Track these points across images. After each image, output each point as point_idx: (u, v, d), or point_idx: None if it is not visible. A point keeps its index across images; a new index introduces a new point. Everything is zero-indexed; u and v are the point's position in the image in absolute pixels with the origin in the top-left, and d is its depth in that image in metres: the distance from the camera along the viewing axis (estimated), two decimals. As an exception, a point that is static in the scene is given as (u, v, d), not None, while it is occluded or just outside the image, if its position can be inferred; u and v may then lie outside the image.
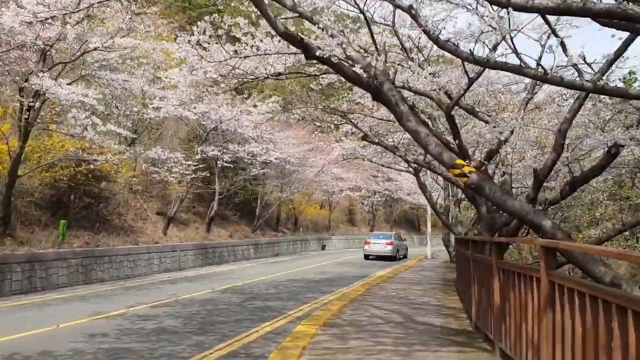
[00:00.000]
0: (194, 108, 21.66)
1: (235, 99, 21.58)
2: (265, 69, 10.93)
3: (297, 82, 14.93)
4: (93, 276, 17.25)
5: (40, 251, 15.45)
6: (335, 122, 16.22)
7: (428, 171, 24.81)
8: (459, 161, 6.02)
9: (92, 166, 17.20)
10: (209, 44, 10.02)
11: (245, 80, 11.23)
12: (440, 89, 11.24)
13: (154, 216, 24.90)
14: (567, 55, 10.37)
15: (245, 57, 9.80)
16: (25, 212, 17.40)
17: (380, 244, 27.82)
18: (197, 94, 11.30)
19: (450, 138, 14.36)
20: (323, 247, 40.49)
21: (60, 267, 15.98)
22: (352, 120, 15.23)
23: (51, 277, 15.51)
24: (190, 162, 21.63)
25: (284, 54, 10.09)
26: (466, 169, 5.85)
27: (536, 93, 13.46)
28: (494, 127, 11.39)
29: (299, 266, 23.52)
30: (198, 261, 23.83)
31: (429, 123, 11.81)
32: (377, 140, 12.49)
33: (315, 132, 22.93)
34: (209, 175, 26.72)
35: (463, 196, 24.35)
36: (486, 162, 11.56)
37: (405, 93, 12.59)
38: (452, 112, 10.80)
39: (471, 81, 10.67)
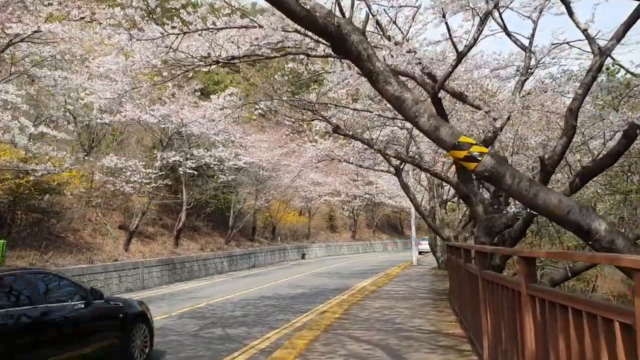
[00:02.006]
0: (152, 110, 19.77)
1: (198, 102, 19.68)
2: (215, 53, 9.13)
3: (260, 75, 13.14)
4: (37, 302, 15.13)
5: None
6: (305, 118, 14.44)
7: (410, 172, 23.18)
8: (465, 139, 4.27)
9: (32, 178, 15.12)
10: (142, 20, 8.26)
11: (191, 66, 9.38)
12: (423, 70, 9.52)
13: (116, 231, 22.80)
14: (574, 21, 8.74)
15: (184, 33, 7.97)
16: (-45, 232, 15.26)
17: None
18: (134, 84, 9.43)
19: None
20: (303, 256, 38.63)
21: (-5, 294, 13.87)
22: (323, 115, 13.47)
23: (-17, 306, 13.40)
24: (149, 170, 19.62)
25: (235, 27, 8.28)
26: (475, 150, 4.11)
27: (532, 73, 11.85)
28: (487, 112, 9.71)
29: (274, 279, 21.62)
30: (165, 278, 21.78)
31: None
32: (350, 133, 10.74)
33: (288, 133, 21.17)
34: (174, 184, 24.76)
35: (449, 197, 22.74)
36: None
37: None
38: (439, 96, 9.10)
39: (460, 56, 8.97)
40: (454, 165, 10.50)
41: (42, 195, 17.35)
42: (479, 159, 4.07)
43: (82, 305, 6.60)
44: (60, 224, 19.97)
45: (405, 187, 16.04)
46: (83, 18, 10.98)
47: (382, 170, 20.51)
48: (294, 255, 37.94)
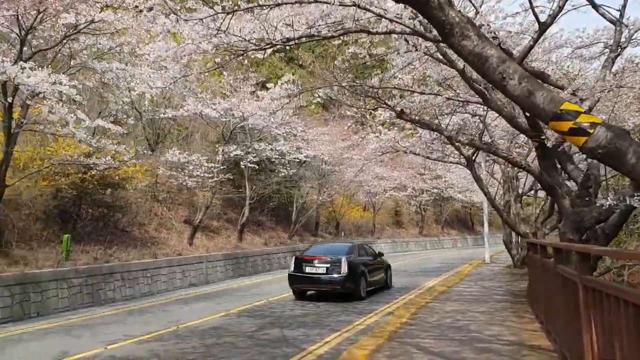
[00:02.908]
0: (214, 104, 19.54)
1: (258, 95, 19.22)
2: (268, 35, 8.49)
3: (319, 62, 12.40)
4: (101, 297, 15.17)
5: (33, 271, 13.44)
6: (368, 107, 13.60)
7: (482, 164, 21.80)
8: (570, 105, 3.32)
9: (95, 172, 15.14)
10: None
11: (244, 51, 8.79)
12: (500, 46, 8.46)
13: (181, 225, 22.87)
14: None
15: (233, 11, 7.34)
16: (24, 227, 15.52)
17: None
18: (185, 71, 8.94)
19: (516, 110, 11.55)
20: (368, 252, 37.65)
21: (59, 288, 13.97)
22: (387, 102, 12.57)
23: (48, 300, 13.50)
24: (212, 165, 19.39)
25: (288, 3, 7.57)
26: (584, 120, 3.17)
27: (624, 48, 10.46)
28: (574, 92, 8.52)
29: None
30: (228, 272, 21.57)
31: (485, 93, 9.03)
32: (417, 118, 9.79)
33: (350, 124, 20.37)
34: (235, 178, 24.58)
35: (524, 191, 21.22)
36: (562, 140, 8.68)
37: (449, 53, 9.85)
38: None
39: (543, 28, 7.85)
40: (534, 152, 9.37)
41: (105, 189, 17.40)
42: (589, 131, 3.14)
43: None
44: (125, 218, 20.15)
45: (477, 179, 14.86)
46: (137, 6, 10.64)
47: (451, 162, 19.32)
48: (359, 251, 37.13)
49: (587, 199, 8.25)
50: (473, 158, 14.64)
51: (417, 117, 9.80)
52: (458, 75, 13.73)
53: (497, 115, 16.26)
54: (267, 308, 12.51)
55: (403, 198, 44.04)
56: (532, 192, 20.47)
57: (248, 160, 21.46)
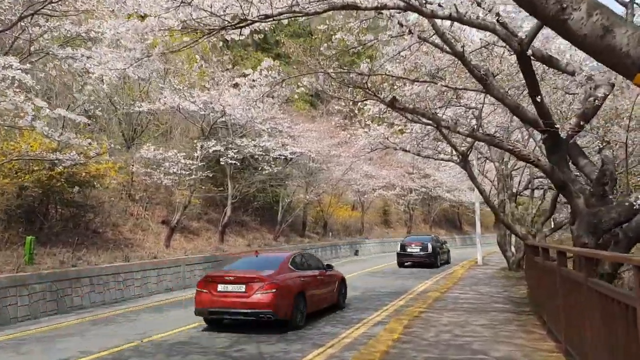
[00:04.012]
0: (192, 97, 18.39)
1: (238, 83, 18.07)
2: (243, 11, 7.43)
3: (303, 49, 11.34)
4: (67, 304, 13.96)
5: (-14, 277, 12.22)
6: (356, 99, 12.57)
7: (474, 162, 20.86)
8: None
9: (61, 169, 13.94)
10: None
11: (215, 30, 7.70)
12: (504, 26, 7.44)
13: (158, 226, 21.68)
14: None
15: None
16: (-18, 228, 14.29)
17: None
18: (149, 52, 7.82)
19: (523, 97, 10.56)
20: (356, 253, 36.68)
21: (19, 295, 12.73)
22: (377, 95, 11.53)
23: (5, 309, 12.27)
24: (189, 162, 18.25)
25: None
26: None
27: None
28: (588, 78, 7.53)
29: (324, 279, 19.83)
30: (208, 276, 20.39)
31: (487, 80, 8.00)
32: (411, 107, 8.76)
33: (338, 119, 19.32)
34: (216, 176, 23.44)
35: (519, 190, 20.31)
36: (577, 129, 7.69)
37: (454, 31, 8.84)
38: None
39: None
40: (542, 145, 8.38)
41: (73, 187, 16.18)
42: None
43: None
44: (98, 218, 18.94)
45: (472, 177, 13.88)
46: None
47: (443, 159, 18.33)
48: (346, 251, 36.08)
49: (603, 196, 7.27)
50: (469, 152, 13.67)
51: (411, 106, 8.80)
52: (452, 66, 12.79)
53: (492, 109, 15.39)
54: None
55: (392, 197, 43.21)
56: (529, 191, 19.56)
57: (229, 156, 20.29)
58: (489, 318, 8.87)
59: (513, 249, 20.74)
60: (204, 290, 10.36)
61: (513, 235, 20.71)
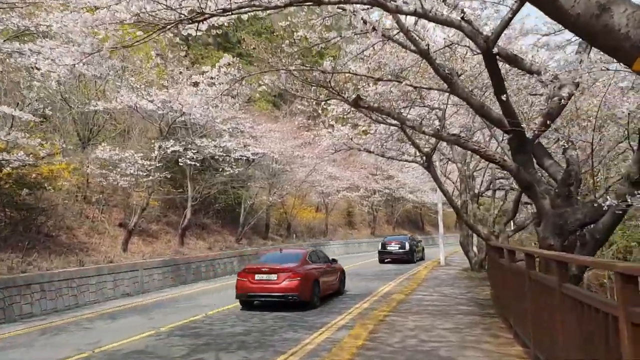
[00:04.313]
0: (149, 95, 17.79)
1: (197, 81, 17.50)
2: (200, 3, 7.07)
3: (265, 46, 10.97)
4: (15, 312, 13.23)
5: None
6: (319, 99, 12.32)
7: (437, 163, 20.89)
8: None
9: (9, 170, 13.19)
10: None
11: (170, 23, 7.31)
12: (470, 24, 7.29)
13: (115, 229, 20.90)
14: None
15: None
16: None
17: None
18: (100, 46, 7.35)
19: (486, 98, 10.48)
20: (320, 255, 36.37)
21: (-39, 304, 12.03)
22: (341, 94, 11.30)
23: (-56, 320, 11.55)
24: (146, 162, 17.63)
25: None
26: None
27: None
28: (552, 79, 7.46)
29: (287, 282, 19.47)
30: (167, 280, 19.79)
31: (451, 79, 7.85)
32: (376, 105, 8.52)
33: (302, 119, 19.05)
34: (175, 177, 22.83)
35: (481, 190, 20.43)
36: (543, 129, 7.61)
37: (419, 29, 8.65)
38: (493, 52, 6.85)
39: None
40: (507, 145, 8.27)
41: (28, 190, 15.40)
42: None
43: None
44: (50, 222, 18.08)
45: (436, 178, 13.79)
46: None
47: (407, 161, 18.27)
48: (310, 253, 35.83)
49: (568, 197, 7.20)
50: (432, 152, 13.58)
51: (375, 105, 8.56)
52: (416, 66, 12.67)
53: (455, 110, 15.37)
54: (205, 324, 10.98)
55: (355, 198, 43.23)
56: (491, 192, 19.68)
57: (188, 157, 19.72)
58: (454, 321, 8.71)
59: (475, 249, 20.84)
60: (244, 279, 13.33)
61: (475, 236, 20.83)
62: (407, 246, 28.62)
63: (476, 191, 19.76)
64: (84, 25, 7.08)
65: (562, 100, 7.36)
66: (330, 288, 14.92)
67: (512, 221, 16.91)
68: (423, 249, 30.96)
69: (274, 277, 13.01)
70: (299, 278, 12.87)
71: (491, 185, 19.18)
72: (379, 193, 44.82)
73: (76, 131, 22.07)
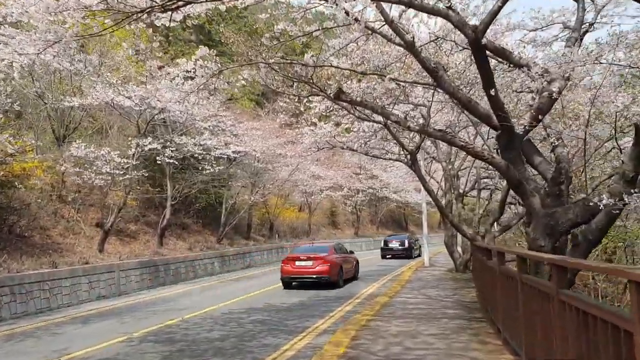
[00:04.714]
0: (126, 91, 17.23)
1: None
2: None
3: (243, 38, 10.52)
4: (-18, 316, 12.66)
5: None
6: (300, 95, 11.91)
7: (421, 162, 20.61)
8: None
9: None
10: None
11: (139, 11, 6.90)
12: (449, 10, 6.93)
13: (91, 229, 20.29)
14: None
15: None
16: None
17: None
18: (67, 36, 6.86)
19: (472, 95, 10.16)
20: (303, 255, 35.99)
21: None
22: (323, 89, 10.91)
23: None
24: (123, 160, 17.06)
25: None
26: None
27: (586, 32, 9.29)
28: (541, 74, 7.15)
29: (269, 283, 19.08)
30: (145, 282, 19.23)
31: (437, 72, 7.51)
32: (359, 99, 8.13)
33: (284, 116, 18.61)
34: (155, 176, 22.26)
35: (465, 190, 20.19)
36: (534, 124, 7.28)
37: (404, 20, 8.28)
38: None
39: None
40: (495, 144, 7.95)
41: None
42: None
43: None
44: (23, 222, 17.44)
45: (421, 176, 13.46)
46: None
47: (391, 159, 17.94)
48: (293, 253, 35.41)
49: (559, 196, 6.88)
50: (417, 150, 13.25)
51: (358, 99, 8.17)
52: (400, 61, 12.32)
53: (439, 108, 15.07)
54: (180, 329, 10.51)
55: (339, 198, 42.91)
56: (476, 191, 19.41)
57: (166, 154, 19.17)
58: (440, 326, 8.35)
59: (460, 249, 20.59)
60: (287, 265, 17.47)
61: (459, 236, 20.58)
62: (407, 243, 31.88)
63: (461, 191, 19.50)
64: (46, 11, 6.61)
65: (553, 95, 7.04)
66: (349, 273, 18.96)
67: (496, 221, 16.67)
68: (420, 246, 32.99)
69: (310, 263, 17.00)
70: (329, 264, 16.98)
71: (476, 185, 18.93)
72: (362, 193, 44.55)
73: (51, 128, 21.40)
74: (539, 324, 4.40)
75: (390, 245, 32.29)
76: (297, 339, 9.05)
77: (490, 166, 20.26)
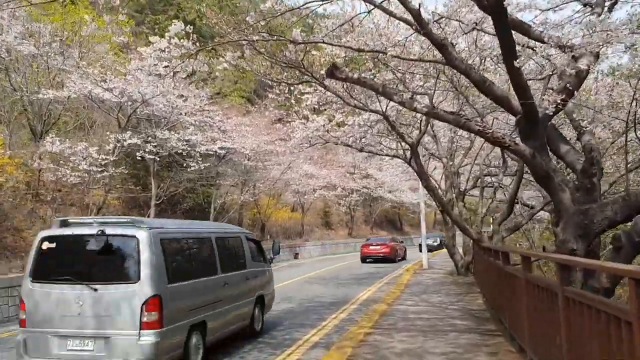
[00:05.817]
0: (104, 82, 16.10)
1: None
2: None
3: (225, 18, 9.43)
4: (-60, 326, 11.48)
5: None
6: (290, 82, 10.89)
7: (420, 157, 19.56)
8: None
9: None
10: None
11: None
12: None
13: (70, 230, 19.07)
14: None
15: None
16: None
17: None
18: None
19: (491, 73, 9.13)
20: (296, 256, 34.98)
21: None
22: (314, 75, 9.87)
23: None
24: (101, 156, 15.92)
25: None
26: None
27: (611, 8, 8.24)
28: (566, 49, 6.10)
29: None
30: (127, 286, 18.03)
31: (447, 46, 6.46)
32: (355, 76, 7.06)
33: (273, 109, 17.54)
34: (139, 174, 21.11)
35: (467, 188, 19.17)
36: (561, 107, 6.23)
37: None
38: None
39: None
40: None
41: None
42: None
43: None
44: (-7, 223, 16.26)
45: (422, 172, 12.37)
46: None
47: (388, 155, 16.88)
48: (285, 255, 34.22)
49: (590, 189, 5.84)
50: (417, 142, 12.18)
51: (355, 76, 7.08)
52: (399, 45, 11.27)
53: (441, 99, 14.04)
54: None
55: (332, 198, 41.82)
56: (479, 190, 18.29)
57: (147, 150, 17.99)
58: (450, 342, 7.23)
59: (461, 250, 19.54)
60: (365, 249, 29.97)
61: (460, 236, 19.57)
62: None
63: (461, 189, 18.48)
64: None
65: (582, 74, 6.00)
66: (400, 255, 30.93)
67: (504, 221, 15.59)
68: (405, 248, 33.68)
69: (378, 247, 29.49)
70: (389, 248, 29.39)
71: (478, 183, 17.88)
72: (356, 192, 43.52)
73: (28, 123, 20.19)
74: (595, 353, 3.34)
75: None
76: (284, 355, 7.95)
77: (490, 164, 19.34)
